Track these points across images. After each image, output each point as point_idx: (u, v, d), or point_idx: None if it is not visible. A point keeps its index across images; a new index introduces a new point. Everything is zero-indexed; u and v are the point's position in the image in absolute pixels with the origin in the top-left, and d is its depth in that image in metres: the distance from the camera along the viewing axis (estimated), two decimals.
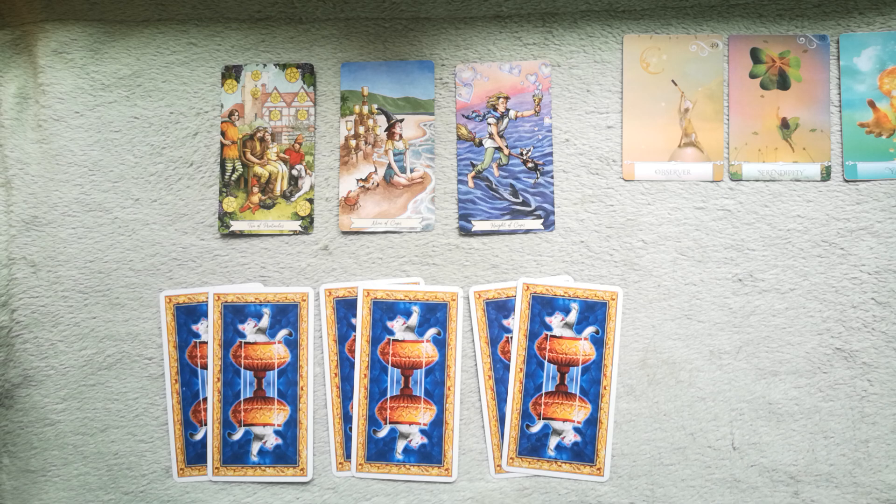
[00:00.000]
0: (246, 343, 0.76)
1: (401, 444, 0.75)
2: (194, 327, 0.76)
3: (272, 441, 0.75)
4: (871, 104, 0.75)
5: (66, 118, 0.77)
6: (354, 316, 0.75)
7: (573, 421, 0.74)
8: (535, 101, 0.77)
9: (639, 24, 0.77)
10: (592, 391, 0.74)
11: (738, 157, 0.75)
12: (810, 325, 0.74)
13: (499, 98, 0.77)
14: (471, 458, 0.75)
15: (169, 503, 0.75)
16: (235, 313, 0.76)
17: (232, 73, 0.78)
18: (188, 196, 0.77)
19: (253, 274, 0.77)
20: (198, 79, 0.78)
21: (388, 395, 0.75)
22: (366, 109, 0.77)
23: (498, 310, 0.75)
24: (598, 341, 0.74)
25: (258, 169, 0.77)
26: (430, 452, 0.74)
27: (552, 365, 0.74)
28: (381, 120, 0.77)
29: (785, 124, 0.75)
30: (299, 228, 0.77)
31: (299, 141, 0.77)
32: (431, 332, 0.75)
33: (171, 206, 0.77)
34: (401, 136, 0.77)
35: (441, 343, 0.75)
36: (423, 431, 0.75)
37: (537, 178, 0.76)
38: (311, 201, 0.77)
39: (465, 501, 0.74)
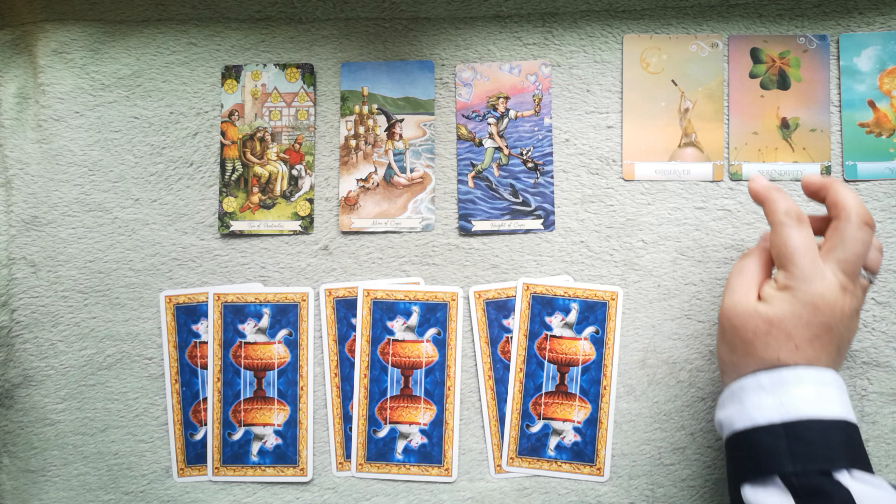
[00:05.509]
0: (246, 343, 0.76)
1: (401, 444, 0.75)
2: (194, 327, 0.76)
3: (272, 441, 0.75)
4: (871, 104, 0.75)
5: (66, 118, 0.77)
6: (354, 316, 0.75)
7: (573, 421, 0.74)
8: (535, 101, 0.77)
9: (639, 24, 0.77)
10: (592, 391, 0.74)
11: (738, 157, 0.75)
12: None
13: (499, 98, 0.77)
14: (471, 458, 0.75)
15: (169, 503, 0.75)
16: (235, 313, 0.76)
17: (232, 73, 0.78)
18: (188, 196, 0.77)
19: (253, 274, 0.77)
20: (198, 79, 0.78)
21: (388, 395, 0.75)
22: (366, 109, 0.77)
23: (498, 310, 0.75)
24: (598, 341, 0.74)
25: (258, 169, 0.77)
26: (430, 452, 0.74)
27: (552, 365, 0.74)
28: (381, 120, 0.77)
29: (785, 124, 0.75)
30: (299, 228, 0.76)
31: (299, 141, 0.77)
32: (431, 332, 0.75)
33: (171, 206, 0.77)
34: (401, 136, 0.77)
35: (441, 343, 0.75)
36: (423, 431, 0.75)
37: (537, 178, 0.76)
38: (311, 201, 0.77)
39: (465, 501, 0.74)
